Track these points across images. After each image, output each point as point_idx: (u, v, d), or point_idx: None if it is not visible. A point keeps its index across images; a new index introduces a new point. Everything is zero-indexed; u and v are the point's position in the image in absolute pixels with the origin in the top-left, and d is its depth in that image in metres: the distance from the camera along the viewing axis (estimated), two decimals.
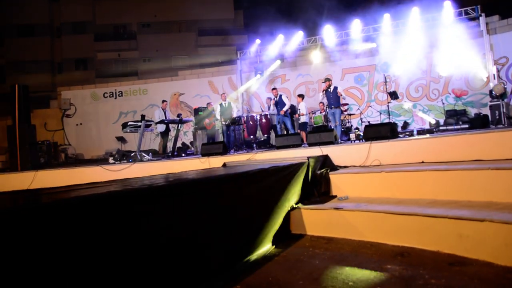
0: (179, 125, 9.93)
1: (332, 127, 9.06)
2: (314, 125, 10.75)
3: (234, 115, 10.51)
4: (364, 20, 13.09)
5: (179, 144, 12.13)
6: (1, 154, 13.66)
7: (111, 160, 8.91)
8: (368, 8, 13.71)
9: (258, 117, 10.07)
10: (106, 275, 2.21)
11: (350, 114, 10.91)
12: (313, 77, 14.52)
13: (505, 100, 9.91)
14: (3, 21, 25.56)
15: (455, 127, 9.69)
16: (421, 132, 9.25)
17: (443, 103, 11.75)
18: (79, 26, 27.10)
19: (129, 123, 8.99)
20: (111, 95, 17.63)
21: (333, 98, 9.05)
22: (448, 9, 11.78)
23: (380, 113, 11.27)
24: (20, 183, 7.54)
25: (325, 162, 5.75)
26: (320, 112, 10.69)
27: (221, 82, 16.14)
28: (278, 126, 10.06)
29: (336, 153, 6.12)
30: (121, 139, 15.48)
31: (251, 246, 3.71)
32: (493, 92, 10.25)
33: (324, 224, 4.34)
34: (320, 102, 10.60)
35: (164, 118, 10.00)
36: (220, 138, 10.79)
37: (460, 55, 11.72)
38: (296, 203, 4.73)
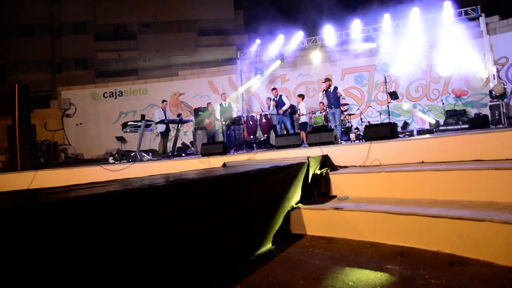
0: (179, 125, 9.93)
1: (332, 127, 9.06)
2: (314, 125, 10.75)
3: (234, 115, 10.50)
4: (364, 20, 13.09)
5: (179, 144, 12.13)
6: (1, 154, 13.66)
7: (111, 160, 8.91)
8: (368, 8, 13.71)
9: (258, 117, 10.07)
10: (106, 275, 2.21)
11: (350, 114, 10.91)
12: (313, 77, 14.52)
13: (505, 100, 9.91)
14: (3, 21, 25.56)
15: (455, 127, 9.69)
16: (421, 132, 9.25)
17: (443, 103, 11.75)
18: (79, 26, 27.10)
19: (129, 123, 8.99)
20: (111, 95, 17.63)
21: (333, 98, 9.04)
22: (448, 9, 11.78)
23: (380, 113, 11.27)
24: (20, 183, 7.54)
25: (325, 162, 5.75)
26: (320, 112, 10.69)
27: (221, 82, 16.14)
28: (278, 126, 10.06)
29: (336, 153, 6.12)
30: (121, 139, 15.48)
31: (251, 246, 3.71)
32: (493, 92, 10.25)
33: (324, 224, 4.34)
34: (320, 102, 10.59)
35: (164, 118, 10.00)
36: (220, 138, 10.79)
37: (460, 55, 11.73)
38: (296, 203, 4.73)
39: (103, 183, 3.68)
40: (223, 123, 10.07)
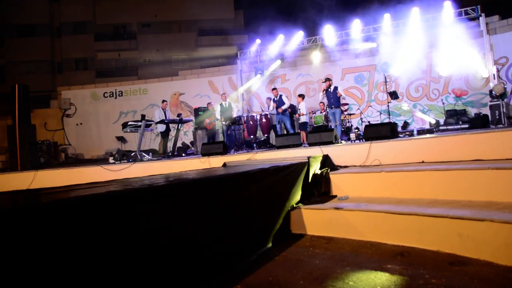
0: (179, 125, 9.92)
1: (332, 127, 9.06)
2: (314, 125, 10.75)
3: (234, 115, 10.50)
4: (364, 20, 13.09)
5: (179, 144, 12.13)
6: (1, 154, 13.67)
7: (111, 160, 8.91)
8: (368, 8, 13.72)
9: (258, 117, 10.06)
10: (106, 275, 2.21)
11: (350, 114, 10.92)
12: (313, 77, 14.53)
13: (505, 100, 9.91)
14: (3, 21, 25.57)
15: (455, 127, 9.69)
16: (421, 132, 9.26)
17: (443, 103, 11.75)
18: (79, 26, 27.10)
19: (129, 123, 8.99)
20: (111, 95, 17.64)
21: (333, 98, 9.04)
22: (448, 9, 11.78)
23: (380, 113, 11.27)
24: (20, 183, 7.54)
25: (325, 162, 5.75)
26: (320, 112, 10.69)
27: (221, 82, 16.14)
28: (278, 126, 10.05)
29: (336, 153, 6.12)
30: (121, 139, 15.48)
31: (251, 246, 3.71)
32: (493, 92, 10.25)
33: (324, 224, 4.34)
34: (321, 102, 10.60)
35: (164, 118, 10.00)
36: (221, 138, 10.79)
37: (460, 55, 11.73)
38: (296, 203, 4.73)
39: (103, 183, 3.68)
40: (223, 123, 10.07)
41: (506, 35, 11.82)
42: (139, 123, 8.85)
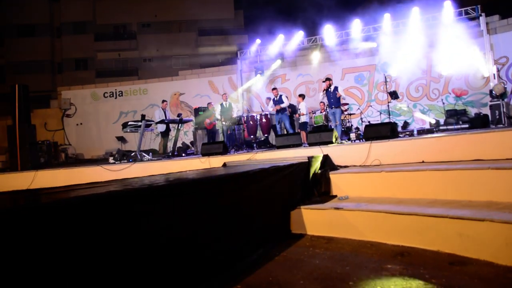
0: (179, 125, 9.92)
1: (332, 127, 9.06)
2: (315, 125, 10.75)
3: (234, 115, 10.49)
4: (364, 20, 13.10)
5: (179, 144, 12.12)
6: (1, 154, 13.67)
7: (111, 160, 8.90)
8: (368, 7, 13.73)
9: (258, 117, 10.06)
10: (106, 275, 2.21)
11: (350, 114, 10.92)
12: (313, 77, 14.53)
13: (505, 99, 9.92)
14: (3, 21, 25.57)
15: (455, 126, 9.69)
16: (421, 132, 9.26)
17: (443, 103, 11.75)
18: (79, 26, 27.11)
19: (129, 123, 8.98)
20: (111, 95, 17.64)
21: (334, 98, 9.03)
22: (448, 9, 11.78)
23: (380, 113, 11.27)
24: (20, 183, 7.54)
25: (325, 162, 5.75)
26: (321, 112, 10.69)
27: (221, 82, 16.15)
28: (278, 126, 10.05)
29: (336, 153, 6.12)
30: (121, 139, 15.49)
31: (251, 246, 3.71)
32: (493, 92, 10.26)
33: (325, 224, 4.34)
34: (321, 102, 10.59)
35: (164, 118, 10.00)
36: (221, 138, 10.79)
37: (460, 55, 11.73)
38: (297, 203, 4.73)
39: (103, 183, 3.68)
40: (223, 123, 10.07)
41: (506, 34, 11.82)
42: (139, 123, 8.85)
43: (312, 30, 14.30)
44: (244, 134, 10.62)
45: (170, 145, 10.39)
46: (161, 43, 26.99)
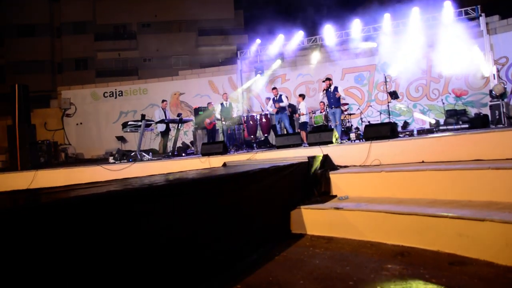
0: (179, 124, 9.92)
1: (332, 127, 9.06)
2: (314, 125, 10.75)
3: (234, 115, 10.49)
4: (364, 20, 13.11)
5: (179, 144, 12.12)
6: (1, 154, 13.68)
7: (111, 159, 8.90)
8: (368, 7, 13.75)
9: (258, 117, 10.06)
10: (106, 275, 2.21)
11: (350, 114, 10.92)
12: (313, 77, 14.53)
13: (505, 100, 9.92)
14: (3, 21, 25.58)
15: (455, 126, 9.69)
16: (421, 132, 9.26)
17: (443, 103, 11.75)
18: (79, 26, 27.11)
19: (129, 123, 8.98)
20: (111, 95, 17.64)
21: (334, 98, 9.03)
22: (448, 9, 11.79)
23: (380, 113, 11.28)
24: (20, 182, 7.53)
25: (325, 162, 5.75)
26: (320, 112, 10.69)
27: (221, 81, 16.15)
28: (278, 126, 10.05)
29: (336, 152, 6.12)
30: (121, 139, 15.48)
31: (251, 246, 3.71)
32: (493, 92, 10.26)
33: (325, 224, 4.34)
34: (321, 102, 10.60)
35: (164, 117, 9.99)
36: (221, 138, 10.78)
37: (460, 55, 11.73)
38: (296, 203, 4.73)
39: (103, 183, 3.68)
40: (224, 123, 10.06)
41: (506, 35, 11.82)
42: (139, 123, 8.85)
43: (312, 30, 14.33)
44: (244, 134, 10.61)
45: (170, 145, 10.39)
46: (161, 43, 27.00)
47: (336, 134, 7.04)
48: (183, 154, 10.41)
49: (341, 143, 7.23)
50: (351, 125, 10.75)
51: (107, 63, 26.92)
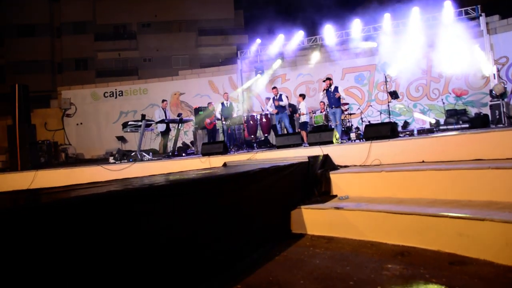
0: (180, 124, 9.92)
1: (333, 127, 9.06)
2: (315, 125, 10.75)
3: (235, 115, 10.49)
4: (364, 20, 13.11)
5: (179, 144, 12.13)
6: (1, 154, 13.68)
7: (111, 159, 8.91)
8: (368, 7, 13.73)
9: (258, 117, 10.06)
10: (106, 275, 2.21)
11: (350, 114, 10.92)
12: (313, 77, 14.53)
13: (505, 99, 9.92)
14: (3, 21, 25.58)
15: (456, 126, 9.69)
16: (421, 131, 9.25)
17: (443, 103, 11.75)
18: (79, 26, 27.12)
19: (129, 123, 8.99)
20: (111, 95, 17.64)
21: (334, 98, 9.04)
22: (448, 9, 11.78)
23: (381, 113, 11.27)
24: (20, 183, 7.54)
25: (325, 162, 5.74)
26: (321, 112, 10.69)
27: (221, 81, 16.15)
28: (278, 126, 10.05)
29: (337, 152, 6.12)
30: (121, 139, 15.49)
31: (251, 246, 3.71)
32: (493, 92, 10.26)
33: (325, 224, 4.34)
34: (321, 102, 10.60)
35: (164, 117, 9.99)
36: (221, 137, 10.78)
37: (460, 55, 11.73)
38: (297, 203, 4.73)
39: (103, 183, 3.68)
40: (224, 122, 10.07)
41: (506, 34, 11.82)
42: (139, 123, 8.85)
43: (312, 30, 14.32)
44: (244, 134, 10.62)
45: (170, 145, 10.39)
46: (161, 43, 27.00)
47: (336, 134, 7.04)
48: (183, 154, 10.41)
49: (341, 143, 7.23)
50: (351, 125, 10.75)
51: (107, 63, 26.93)
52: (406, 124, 12.29)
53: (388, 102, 10.08)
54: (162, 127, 10.09)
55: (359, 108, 11.97)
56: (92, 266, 2.13)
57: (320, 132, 7.23)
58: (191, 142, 13.06)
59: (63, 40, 26.95)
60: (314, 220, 4.44)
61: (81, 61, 27.25)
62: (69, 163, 12.85)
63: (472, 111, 11.66)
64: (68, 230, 2.07)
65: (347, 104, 11.29)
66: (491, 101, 10.15)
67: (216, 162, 6.95)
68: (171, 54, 27.06)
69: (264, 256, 3.60)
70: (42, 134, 15.46)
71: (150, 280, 2.48)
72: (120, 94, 17.56)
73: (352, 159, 6.03)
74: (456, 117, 10.50)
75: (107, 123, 17.33)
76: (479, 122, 9.21)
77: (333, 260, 3.40)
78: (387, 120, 10.14)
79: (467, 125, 9.43)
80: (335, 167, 5.82)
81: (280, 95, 10.09)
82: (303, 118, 10.80)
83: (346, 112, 10.66)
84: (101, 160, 12.03)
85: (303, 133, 9.48)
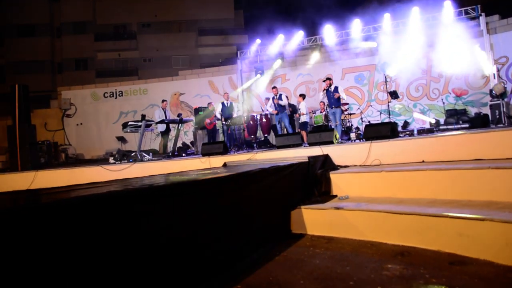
0: (180, 125, 9.92)
1: (333, 127, 9.06)
2: (315, 125, 10.75)
3: (235, 115, 10.49)
4: (364, 20, 13.11)
5: (179, 144, 12.13)
6: (1, 154, 13.68)
7: (111, 160, 8.90)
8: (368, 7, 13.74)
9: (258, 117, 10.06)
10: (106, 275, 2.21)
11: (350, 114, 10.92)
12: (313, 77, 14.53)
13: (505, 99, 9.92)
14: (3, 21, 25.58)
15: (456, 126, 9.69)
16: (421, 131, 9.25)
17: (443, 103, 11.75)
18: (79, 26, 27.12)
19: (129, 123, 8.99)
20: (111, 95, 17.65)
21: (334, 98, 9.03)
22: (448, 9, 11.79)
23: (381, 113, 11.28)
24: (20, 183, 7.54)
25: (325, 162, 5.75)
26: (321, 112, 10.69)
27: (221, 82, 16.15)
28: (278, 126, 10.05)
29: (337, 152, 6.12)
30: (121, 139, 15.49)
31: (251, 246, 3.71)
32: (493, 92, 10.25)
33: (325, 224, 4.34)
34: (321, 102, 10.60)
35: (164, 118, 9.99)
36: (221, 137, 10.78)
37: (460, 55, 11.73)
38: (297, 203, 4.73)
39: (103, 183, 3.68)
40: (224, 122, 10.07)
41: (506, 34, 11.82)
42: (139, 123, 8.85)
43: (312, 30, 14.32)
44: (244, 134, 10.62)
45: (170, 145, 10.39)
46: (161, 43, 27.01)
47: (336, 134, 7.04)
48: (183, 154, 10.41)
49: (341, 143, 7.23)
50: (351, 125, 10.75)
51: (107, 63, 26.93)
52: (406, 124, 12.29)
53: (388, 102, 10.08)
54: (162, 127, 10.09)
55: (359, 108, 11.97)
56: (92, 266, 2.14)
57: (320, 132, 7.23)
58: (191, 142, 13.06)
59: (63, 40, 26.95)
60: (314, 220, 4.44)
61: (81, 61, 27.26)
62: (69, 164, 12.85)
63: (472, 111, 11.66)
64: (68, 231, 2.07)
65: (347, 104, 11.29)
66: (491, 101, 10.15)
67: (216, 162, 6.95)
68: (171, 54, 27.06)
69: (264, 256, 3.60)
70: (42, 135, 15.46)
71: (150, 280, 2.48)
72: (120, 94, 17.56)
73: (352, 159, 6.03)
74: (456, 117, 10.50)
75: (107, 123, 17.33)
76: (479, 122, 9.21)
77: (333, 260, 3.40)
78: (387, 120, 10.14)
79: (467, 125, 9.43)
80: (335, 167, 5.82)
81: (280, 94, 10.08)
82: (303, 118, 10.79)
83: (346, 112, 10.66)
84: (101, 161, 12.03)
85: (303, 133, 9.47)
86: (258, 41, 14.67)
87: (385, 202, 4.36)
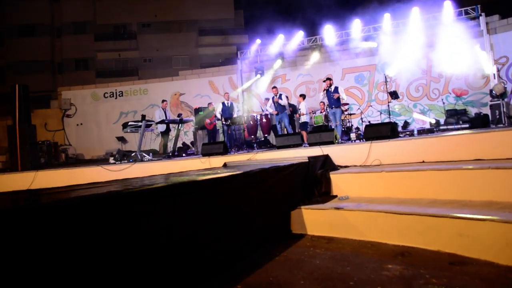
0: (180, 125, 9.92)
1: (333, 127, 9.05)
2: (315, 125, 10.75)
3: (235, 115, 10.49)
4: (364, 20, 13.12)
5: (179, 144, 12.12)
6: (1, 154, 13.68)
7: (111, 160, 8.90)
8: (368, 7, 13.74)
9: (258, 117, 10.06)
10: (106, 275, 2.21)
11: (350, 114, 10.92)
12: (313, 77, 14.53)
13: (505, 99, 9.92)
14: (3, 21, 25.59)
15: (456, 126, 9.69)
16: (421, 131, 9.25)
17: (443, 103, 11.75)
18: (80, 26, 27.13)
19: (129, 123, 8.98)
20: (111, 95, 17.65)
21: (334, 98, 9.03)
22: (448, 9, 11.79)
23: (381, 113, 11.28)
24: (20, 183, 7.54)
25: (325, 162, 5.74)
26: (321, 112, 10.69)
27: (221, 82, 16.15)
28: (278, 126, 10.05)
29: (337, 153, 6.12)
30: (121, 139, 15.49)
31: (251, 246, 3.71)
32: (493, 92, 10.25)
33: (325, 224, 4.34)
34: (321, 102, 10.60)
35: (164, 118, 9.99)
36: (221, 138, 10.78)
37: (460, 55, 11.73)
38: (297, 203, 4.73)
39: (103, 183, 3.68)
40: (224, 122, 10.06)
41: (506, 34, 11.82)
42: (140, 123, 8.85)
43: (312, 30, 14.33)
44: (244, 134, 10.62)
45: (170, 145, 10.38)
46: (161, 43, 27.01)
47: (336, 134, 7.04)
48: (184, 155, 10.41)
49: (341, 143, 7.23)
50: (352, 125, 10.75)
51: (107, 63, 26.93)
52: (406, 124, 12.29)
53: (388, 102, 10.08)
54: (162, 127, 10.09)
55: (359, 108, 11.97)
56: (92, 267, 2.13)
57: (320, 132, 7.22)
58: (191, 143, 13.06)
59: (63, 40, 26.96)
60: (314, 220, 4.43)
61: (81, 61, 27.26)
62: (69, 164, 12.85)
63: (472, 111, 11.66)
64: (68, 231, 2.07)
65: (347, 104, 11.29)
66: (491, 101, 10.15)
67: (216, 162, 6.94)
68: (171, 54, 27.07)
69: (264, 256, 3.59)
70: (42, 135, 15.47)
71: (150, 280, 2.48)
72: (120, 95, 17.56)
73: (352, 159, 6.03)
74: (456, 117, 10.50)
75: (107, 123, 17.33)
76: (479, 122, 9.21)
77: (334, 260, 3.40)
78: (387, 120, 10.14)
79: (467, 125, 9.43)
80: (335, 167, 5.82)
81: (280, 95, 10.08)
82: (303, 118, 10.79)
83: (346, 112, 10.66)
84: (101, 161, 12.03)
85: (303, 133, 9.47)
86: (258, 41, 14.67)
87: (385, 202, 4.36)
